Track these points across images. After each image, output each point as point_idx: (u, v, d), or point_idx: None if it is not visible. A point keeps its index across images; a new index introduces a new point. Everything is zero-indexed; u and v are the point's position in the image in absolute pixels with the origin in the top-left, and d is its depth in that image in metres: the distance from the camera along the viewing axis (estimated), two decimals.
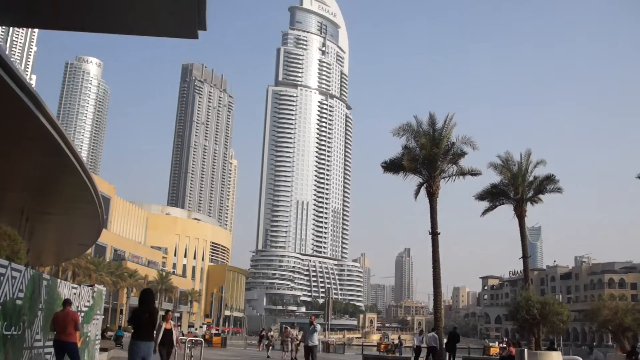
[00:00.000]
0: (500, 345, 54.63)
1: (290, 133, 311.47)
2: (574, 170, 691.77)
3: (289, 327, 36.31)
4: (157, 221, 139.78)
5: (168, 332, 16.27)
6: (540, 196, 43.69)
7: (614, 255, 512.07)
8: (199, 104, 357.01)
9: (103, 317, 22.04)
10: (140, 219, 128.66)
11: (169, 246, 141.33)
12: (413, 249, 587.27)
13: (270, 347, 38.59)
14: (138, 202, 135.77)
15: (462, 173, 36.45)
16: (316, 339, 22.33)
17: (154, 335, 13.56)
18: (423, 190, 35.83)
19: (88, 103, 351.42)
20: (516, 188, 41.87)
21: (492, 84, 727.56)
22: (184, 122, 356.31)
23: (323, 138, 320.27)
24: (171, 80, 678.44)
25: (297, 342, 35.72)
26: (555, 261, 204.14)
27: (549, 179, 43.01)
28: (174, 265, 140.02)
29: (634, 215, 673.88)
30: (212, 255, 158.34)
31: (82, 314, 16.29)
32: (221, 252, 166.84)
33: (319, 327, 22.11)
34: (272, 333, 41.25)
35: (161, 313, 20.68)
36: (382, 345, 54.88)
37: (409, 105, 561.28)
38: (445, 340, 32.76)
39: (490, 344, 66.91)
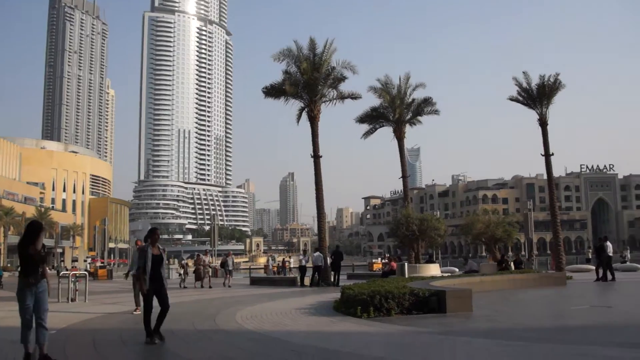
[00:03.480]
0: (383, 261, 56.91)
1: (169, 61, 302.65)
2: (454, 92, 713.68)
3: (201, 255, 35.53)
4: (32, 156, 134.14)
5: (157, 261, 11.33)
6: (419, 118, 44.99)
7: (487, 173, 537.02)
8: (71, 32, 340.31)
9: None
10: (12, 154, 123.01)
11: (47, 181, 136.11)
12: (297, 173, 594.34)
13: (186, 276, 36.53)
14: (10, 137, 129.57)
15: (343, 97, 36.91)
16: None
17: (138, 268, 11.28)
18: (305, 115, 36.13)
19: None
20: (395, 110, 42.87)
21: (376, 8, 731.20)
22: (55, 51, 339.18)
23: (203, 65, 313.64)
24: (38, 7, 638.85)
25: (210, 269, 35.16)
26: (433, 180, 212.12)
27: (427, 101, 44.22)
28: (53, 201, 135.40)
29: (505, 134, 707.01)
30: (92, 188, 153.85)
31: None
32: (102, 184, 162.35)
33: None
34: (185, 261, 39.50)
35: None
36: (274, 267, 55.83)
37: (290, 31, 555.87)
38: (330, 259, 33.71)
39: (374, 260, 69.51)
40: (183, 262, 38.85)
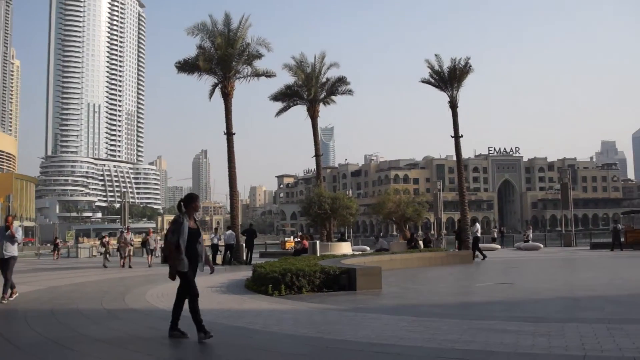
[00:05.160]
0: (295, 239, 57.22)
1: (79, 31, 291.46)
2: (368, 73, 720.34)
3: (124, 232, 33.45)
4: None
5: (194, 236, 8.82)
6: (333, 97, 45.28)
7: (399, 154, 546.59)
8: None
9: None
10: None
11: None
12: (210, 150, 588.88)
13: (108, 255, 33.75)
14: None
15: (257, 74, 36.76)
16: (14, 248, 14.57)
17: (169, 245, 8.60)
18: (218, 91, 35.79)
19: None
20: (309, 89, 43.00)
21: None
22: None
23: (114, 37, 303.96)
24: None
25: (132, 247, 33.26)
26: (346, 159, 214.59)
27: (341, 80, 44.57)
28: None
29: (417, 116, 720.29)
30: None
31: None
32: (6, 159, 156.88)
33: (20, 232, 14.61)
34: (107, 239, 36.81)
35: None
36: None
37: (206, 4, 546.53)
38: (242, 238, 33.64)
39: (286, 239, 69.77)
40: (105, 240, 36.56)
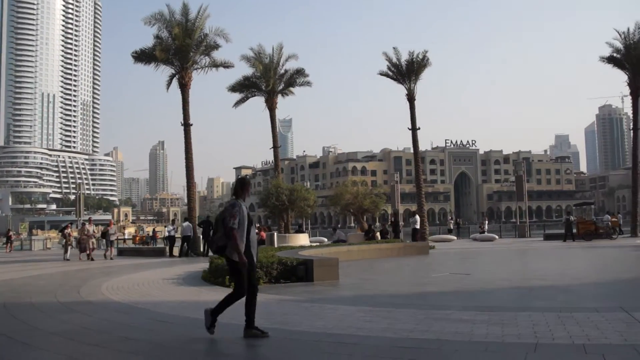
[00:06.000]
0: None
1: (32, 19, 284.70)
2: (326, 65, 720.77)
3: (86, 224, 31.77)
4: None
5: (250, 224, 8.26)
6: (292, 89, 45.25)
7: (357, 146, 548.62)
8: None
9: None
10: None
11: None
12: (167, 141, 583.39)
13: (70, 247, 32.27)
14: None
15: (215, 65, 36.58)
16: None
17: (234, 231, 7.84)
18: (175, 82, 35.50)
19: None
20: (267, 80, 42.89)
21: None
22: None
23: (70, 26, 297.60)
24: None
25: (95, 239, 32.10)
26: (304, 151, 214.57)
27: (299, 72, 44.57)
28: None
29: (376, 108, 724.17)
30: None
31: None
32: None
33: None
34: (68, 230, 35.28)
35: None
36: (137, 238, 54.94)
37: None
38: (200, 229, 33.48)
39: None
40: (66, 231, 35.23)
